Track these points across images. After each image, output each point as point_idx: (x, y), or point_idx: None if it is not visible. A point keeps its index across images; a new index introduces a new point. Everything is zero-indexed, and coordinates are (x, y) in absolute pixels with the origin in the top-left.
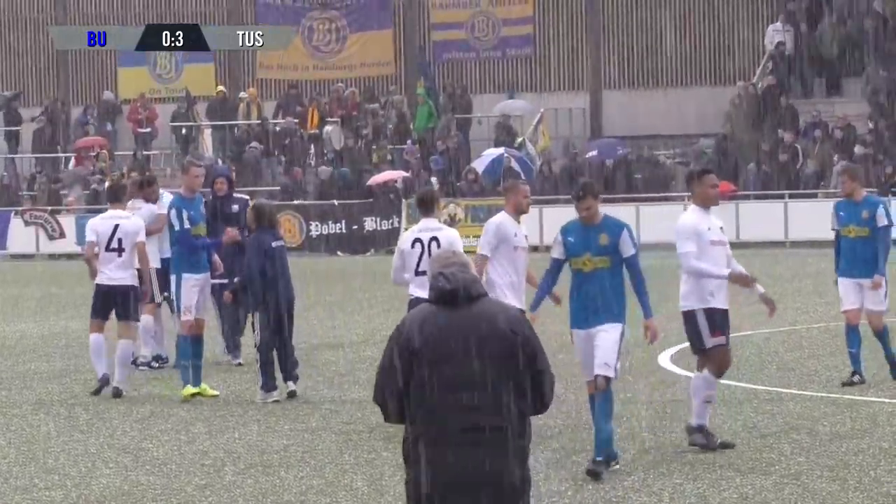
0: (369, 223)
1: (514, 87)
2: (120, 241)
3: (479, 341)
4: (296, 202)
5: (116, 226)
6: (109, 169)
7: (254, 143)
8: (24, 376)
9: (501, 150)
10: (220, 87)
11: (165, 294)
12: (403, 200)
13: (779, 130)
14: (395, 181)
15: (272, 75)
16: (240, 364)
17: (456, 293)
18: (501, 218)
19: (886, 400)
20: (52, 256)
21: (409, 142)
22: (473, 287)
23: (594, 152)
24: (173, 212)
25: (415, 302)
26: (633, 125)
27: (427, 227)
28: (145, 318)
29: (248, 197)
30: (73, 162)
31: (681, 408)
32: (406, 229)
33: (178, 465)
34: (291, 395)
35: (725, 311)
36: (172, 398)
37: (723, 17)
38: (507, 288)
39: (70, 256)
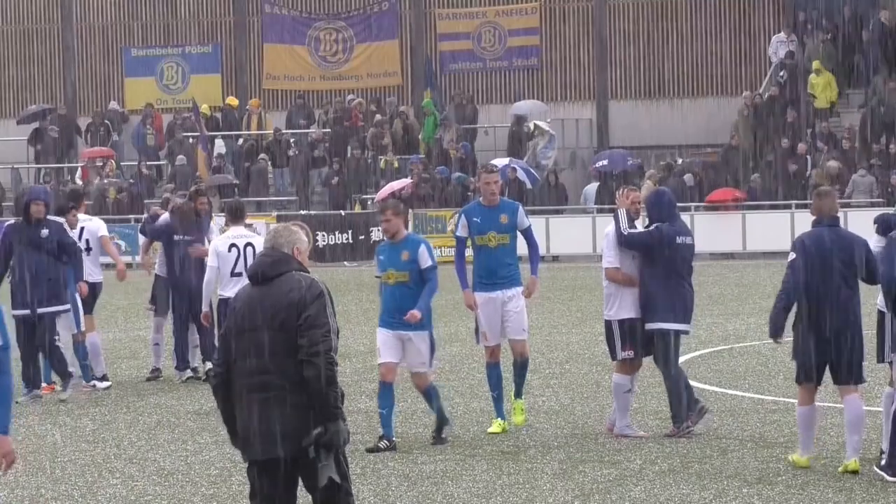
0: (376, 233)
1: (521, 98)
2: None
3: (265, 313)
4: (302, 212)
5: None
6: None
7: (261, 155)
8: None
9: (507, 160)
10: (232, 98)
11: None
12: (410, 210)
13: (784, 140)
14: (403, 190)
15: (279, 86)
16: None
17: (253, 274)
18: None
19: None
20: None
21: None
22: (270, 268)
23: (604, 162)
24: (454, 218)
25: (223, 303)
26: (640, 136)
27: (240, 234)
28: (91, 337)
29: (62, 220)
30: (79, 172)
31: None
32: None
33: (185, 474)
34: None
35: None
36: (178, 408)
37: (729, 28)
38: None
39: None
